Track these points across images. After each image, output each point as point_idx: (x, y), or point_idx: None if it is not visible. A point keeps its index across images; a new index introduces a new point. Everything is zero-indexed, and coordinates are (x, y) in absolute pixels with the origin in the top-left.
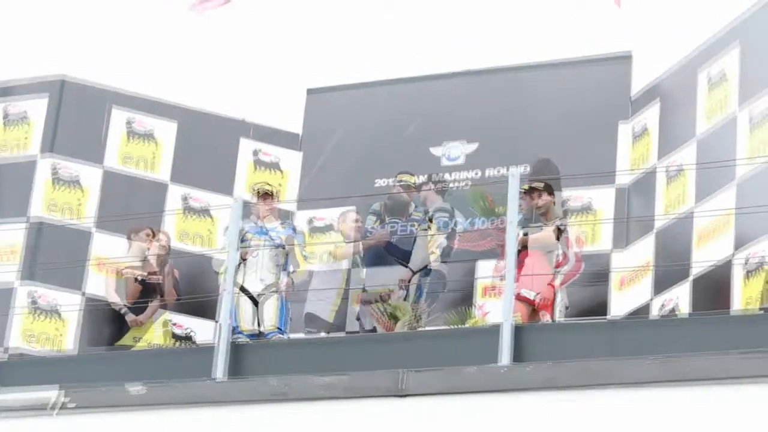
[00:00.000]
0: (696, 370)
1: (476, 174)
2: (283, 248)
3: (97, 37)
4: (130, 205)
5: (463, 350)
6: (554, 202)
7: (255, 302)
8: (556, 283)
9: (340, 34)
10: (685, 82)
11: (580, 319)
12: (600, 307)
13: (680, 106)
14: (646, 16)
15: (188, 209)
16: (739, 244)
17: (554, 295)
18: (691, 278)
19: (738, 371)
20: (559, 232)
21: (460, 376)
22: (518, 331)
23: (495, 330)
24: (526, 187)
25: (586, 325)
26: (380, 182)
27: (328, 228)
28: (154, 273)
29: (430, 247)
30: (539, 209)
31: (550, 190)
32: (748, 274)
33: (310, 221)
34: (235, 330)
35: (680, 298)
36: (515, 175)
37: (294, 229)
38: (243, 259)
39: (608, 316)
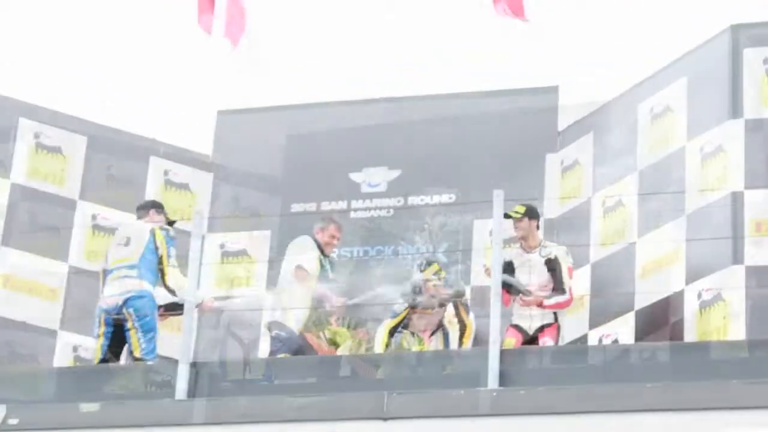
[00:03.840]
0: (695, 397)
1: (399, 201)
2: None
3: (7, 49)
4: (38, 220)
5: (447, 373)
6: (538, 226)
7: None
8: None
9: (258, 56)
10: (623, 115)
11: (570, 345)
12: None
13: (617, 138)
14: (573, 51)
15: (97, 227)
16: (691, 276)
17: (557, 323)
18: (634, 311)
19: (741, 400)
20: (549, 262)
21: (445, 400)
22: (505, 354)
23: (482, 353)
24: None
25: (575, 350)
26: (297, 207)
27: (242, 252)
28: None
29: None
30: (519, 233)
31: (531, 214)
32: (703, 307)
33: (222, 245)
34: None
35: (621, 331)
36: (499, 196)
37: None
38: None
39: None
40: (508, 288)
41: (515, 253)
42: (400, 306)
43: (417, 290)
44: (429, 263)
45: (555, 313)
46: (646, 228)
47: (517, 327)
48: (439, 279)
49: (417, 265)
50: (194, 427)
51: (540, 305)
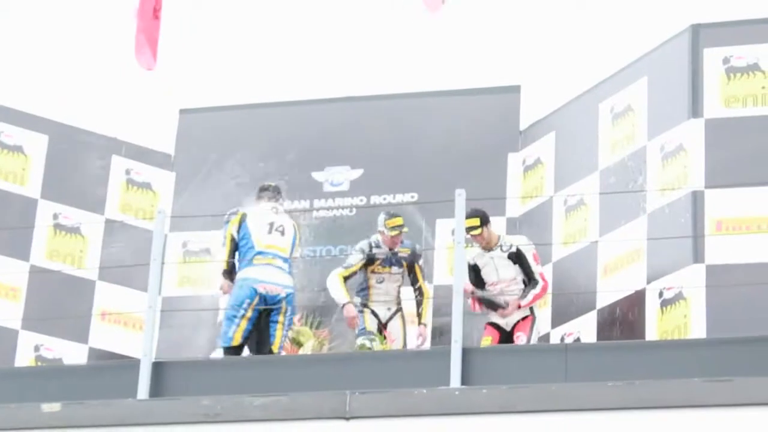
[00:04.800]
0: (657, 396)
1: (361, 201)
2: None
3: None
4: None
5: (410, 372)
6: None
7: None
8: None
9: (220, 55)
10: (584, 114)
11: (532, 344)
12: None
13: (579, 137)
14: (535, 51)
15: (59, 226)
16: (652, 275)
17: (532, 315)
18: (596, 309)
19: (702, 398)
20: (513, 255)
21: (408, 399)
22: (467, 353)
23: (444, 352)
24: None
25: (537, 348)
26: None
27: (204, 252)
28: None
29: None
30: (482, 243)
31: (485, 221)
32: (664, 306)
33: (185, 244)
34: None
35: (582, 329)
36: (461, 195)
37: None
38: None
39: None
40: (486, 304)
41: (477, 254)
42: (355, 257)
43: (375, 244)
44: (394, 215)
45: (531, 306)
46: (608, 227)
47: (494, 325)
48: (401, 232)
49: (383, 214)
50: (156, 426)
51: (520, 307)
